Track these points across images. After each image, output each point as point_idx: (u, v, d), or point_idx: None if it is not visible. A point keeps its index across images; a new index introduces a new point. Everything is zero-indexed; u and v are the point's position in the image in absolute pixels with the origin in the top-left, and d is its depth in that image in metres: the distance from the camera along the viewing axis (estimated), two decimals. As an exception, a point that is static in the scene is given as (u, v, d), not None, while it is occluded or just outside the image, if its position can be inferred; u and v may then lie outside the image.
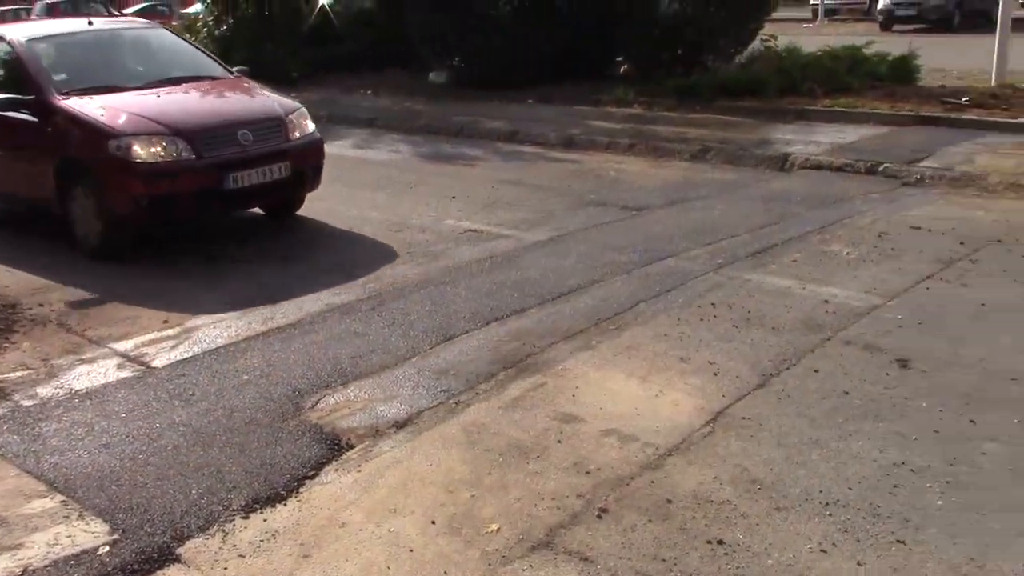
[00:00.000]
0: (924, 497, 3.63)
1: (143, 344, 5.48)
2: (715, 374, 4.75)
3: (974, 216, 7.53)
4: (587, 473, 3.87)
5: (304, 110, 7.89)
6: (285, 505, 3.75)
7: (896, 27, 25.35)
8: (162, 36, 8.99)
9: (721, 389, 4.59)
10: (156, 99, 7.50)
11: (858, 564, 3.25)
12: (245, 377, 4.95)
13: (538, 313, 5.72)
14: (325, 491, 3.84)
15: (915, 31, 23.80)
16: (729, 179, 9.29)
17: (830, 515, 3.53)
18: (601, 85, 14.57)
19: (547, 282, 6.26)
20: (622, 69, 15.80)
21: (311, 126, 7.83)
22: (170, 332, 5.64)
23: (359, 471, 3.97)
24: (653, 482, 3.79)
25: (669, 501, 3.65)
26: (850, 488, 3.70)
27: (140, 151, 6.75)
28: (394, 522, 3.59)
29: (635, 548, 3.37)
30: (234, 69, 8.65)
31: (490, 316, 5.68)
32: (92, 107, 7.16)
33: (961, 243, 6.76)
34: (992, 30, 13.40)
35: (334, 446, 4.19)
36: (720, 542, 3.38)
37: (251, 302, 6.10)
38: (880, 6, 26.95)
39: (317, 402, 4.63)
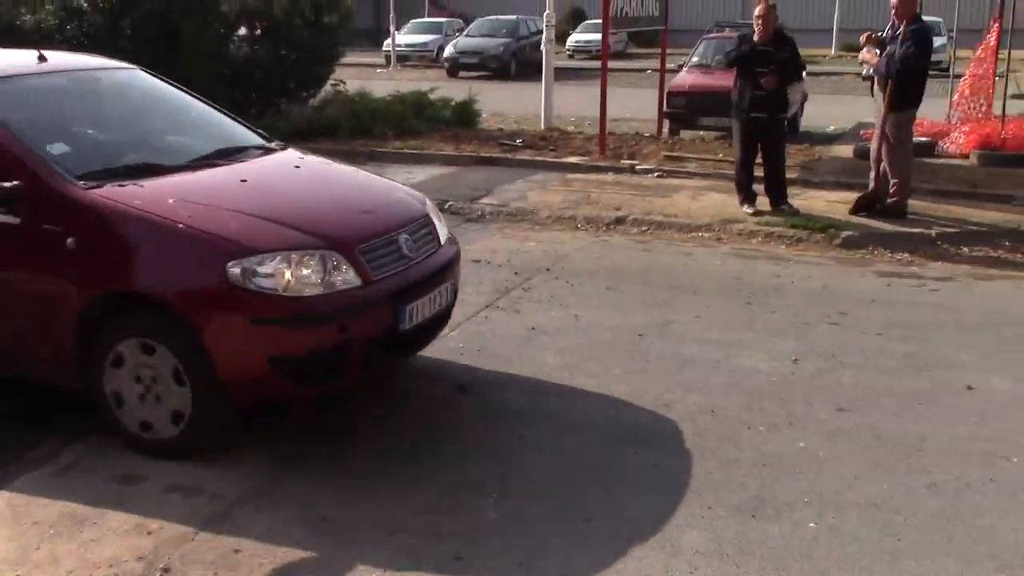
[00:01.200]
0: (481, 512, 3.89)
1: None
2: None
3: (527, 248, 8.24)
4: (149, 533, 3.69)
5: (427, 199, 5.33)
6: None
7: (462, 74, 27.08)
8: (144, 81, 5.69)
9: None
10: (245, 187, 4.67)
11: (420, 585, 3.41)
12: None
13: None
14: None
15: (479, 78, 25.60)
16: (304, 220, 9.36)
17: (397, 542, 3.66)
18: (172, 127, 14.05)
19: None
20: (194, 111, 15.37)
21: (442, 222, 5.30)
22: None
23: None
24: (221, 533, 3.71)
25: (237, 551, 3.58)
26: (413, 514, 3.87)
27: (282, 278, 4.11)
28: (-81, 620, 3.18)
29: (200, 604, 3.27)
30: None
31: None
32: (159, 203, 4.23)
33: (516, 273, 7.36)
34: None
35: None
36: (288, 585, 3.39)
37: None
38: (446, 54, 28.74)
39: None
